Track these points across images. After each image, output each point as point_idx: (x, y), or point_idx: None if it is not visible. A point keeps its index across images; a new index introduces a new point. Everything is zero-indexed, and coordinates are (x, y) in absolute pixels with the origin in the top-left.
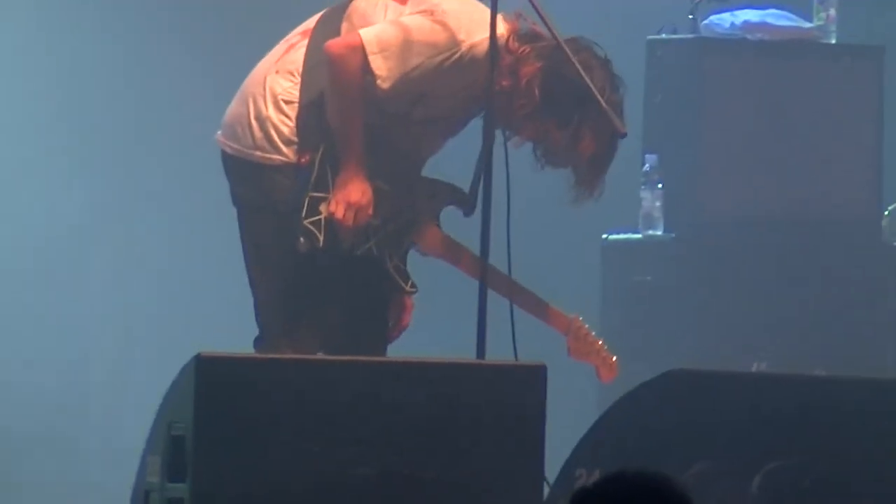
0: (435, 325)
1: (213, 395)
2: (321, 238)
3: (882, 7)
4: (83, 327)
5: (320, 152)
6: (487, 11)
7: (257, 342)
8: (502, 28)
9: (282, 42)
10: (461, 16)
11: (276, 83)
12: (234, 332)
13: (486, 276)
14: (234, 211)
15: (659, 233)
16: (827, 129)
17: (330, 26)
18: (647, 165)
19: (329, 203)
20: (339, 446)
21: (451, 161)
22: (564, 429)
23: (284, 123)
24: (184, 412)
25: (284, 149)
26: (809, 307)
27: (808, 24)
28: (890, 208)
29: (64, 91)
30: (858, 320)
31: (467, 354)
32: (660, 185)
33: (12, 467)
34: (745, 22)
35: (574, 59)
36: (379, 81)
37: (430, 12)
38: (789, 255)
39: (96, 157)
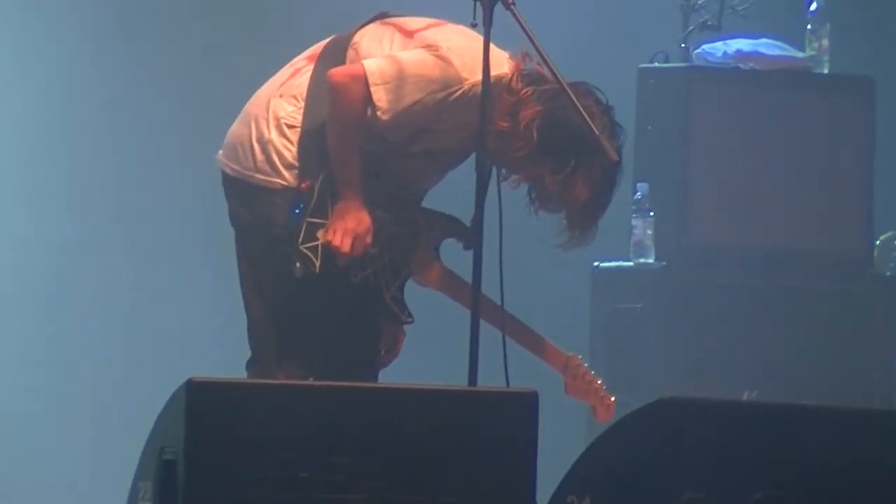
0: (427, 352)
1: (204, 419)
2: (317, 264)
3: (874, 37)
4: (71, 352)
5: (320, 179)
6: (493, 50)
7: (249, 365)
8: (506, 68)
9: (287, 66)
10: (465, 53)
11: (279, 107)
12: (227, 355)
13: (478, 305)
14: (230, 231)
15: (650, 261)
16: (818, 159)
17: (335, 54)
18: (638, 193)
19: (327, 230)
20: (330, 472)
21: (454, 193)
22: (555, 455)
23: (286, 147)
24: (175, 437)
25: (285, 173)
26: (799, 336)
27: (800, 54)
28: (881, 238)
29: (60, 104)
30: (848, 350)
31: (459, 381)
32: (651, 214)
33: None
34: (738, 51)
35: (577, 104)
36: (379, 113)
37: (434, 48)
38: (779, 285)
39: (89, 175)
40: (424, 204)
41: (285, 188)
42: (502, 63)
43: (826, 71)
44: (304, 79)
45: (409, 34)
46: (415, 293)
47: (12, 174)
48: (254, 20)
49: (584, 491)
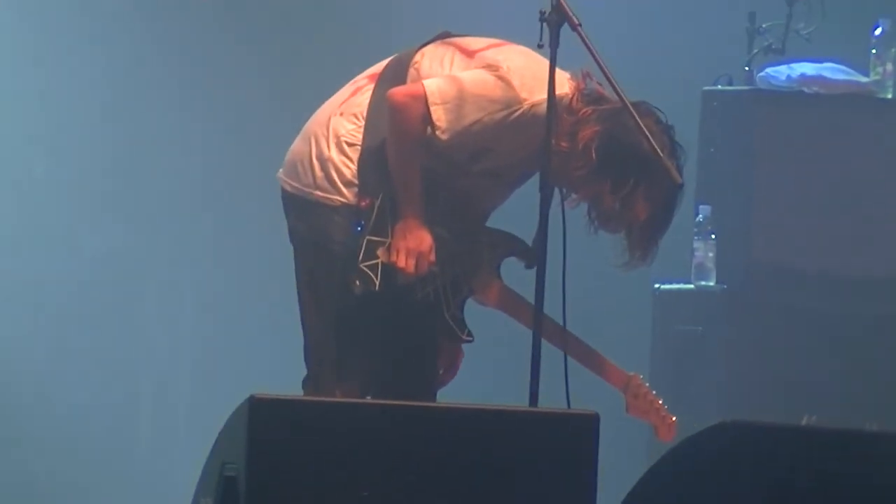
0: (488, 372)
1: (266, 436)
2: (377, 282)
3: None
4: (133, 369)
5: (381, 197)
6: (554, 73)
7: (305, 382)
8: (566, 87)
9: (348, 84)
10: (525, 73)
11: (339, 125)
12: (287, 372)
13: (540, 325)
14: (289, 249)
15: (711, 283)
16: (883, 183)
17: (397, 73)
18: (700, 216)
19: (389, 250)
20: (390, 491)
21: (517, 212)
22: (616, 477)
23: (346, 165)
24: (236, 453)
25: (345, 190)
26: (861, 361)
27: (864, 79)
28: None
29: (127, 119)
30: None
31: (520, 402)
32: (713, 236)
33: None
34: (802, 75)
35: (640, 122)
36: (438, 132)
37: (495, 68)
38: (841, 308)
39: (152, 189)
40: (488, 223)
41: (344, 205)
42: (563, 83)
43: (890, 95)
44: (364, 97)
45: (469, 54)
46: (476, 312)
47: (79, 187)
48: (318, 34)
49: None
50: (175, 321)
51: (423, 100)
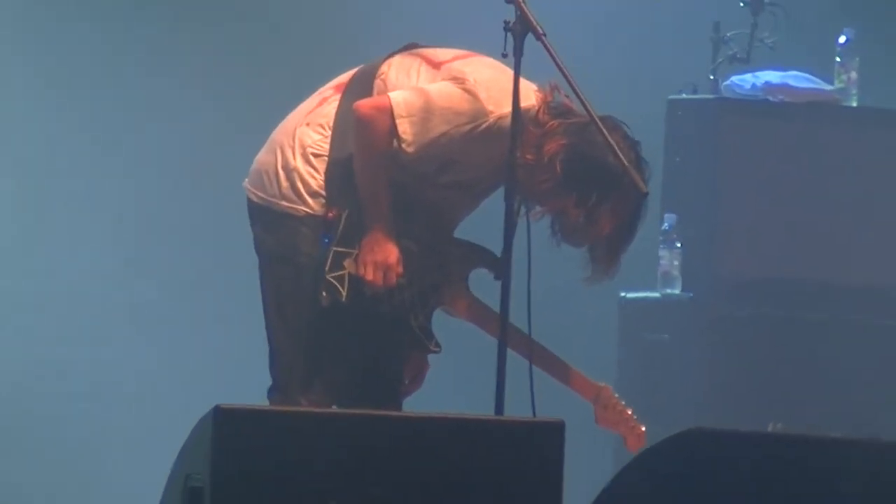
0: (454, 381)
1: (230, 446)
2: (344, 293)
3: None
4: (99, 381)
5: (348, 209)
6: (521, 82)
7: (271, 392)
8: (533, 99)
9: (314, 94)
10: (492, 86)
11: (305, 135)
12: (252, 383)
13: (505, 335)
14: (254, 258)
15: (677, 292)
16: (847, 191)
17: (363, 84)
18: (666, 224)
19: (357, 262)
20: (356, 500)
21: (485, 224)
22: (581, 485)
23: (312, 175)
24: (201, 464)
25: (310, 200)
26: (826, 369)
27: (829, 87)
28: None
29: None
30: (877, 383)
31: (486, 410)
32: (678, 245)
33: None
34: (767, 83)
35: (608, 137)
36: (404, 145)
37: (461, 80)
38: (806, 317)
39: (123, 201)
40: (456, 234)
41: (310, 216)
42: (529, 95)
43: (855, 103)
44: (331, 108)
45: (436, 65)
46: (443, 323)
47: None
48: (285, 44)
49: None
50: (141, 331)
51: (389, 112)
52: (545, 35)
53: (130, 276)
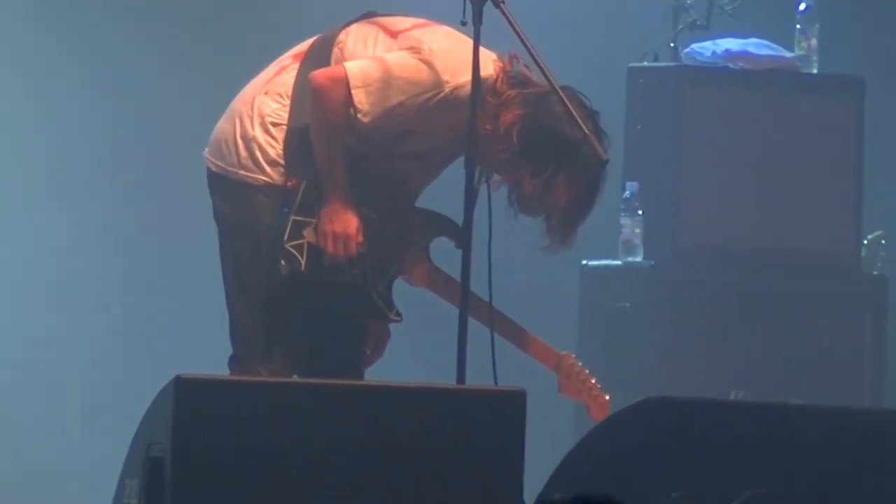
0: (416, 351)
1: (192, 416)
2: (303, 262)
3: (863, 37)
4: (59, 348)
5: (307, 178)
6: (480, 51)
7: (231, 362)
8: (491, 69)
9: (273, 63)
10: (448, 55)
11: (264, 104)
12: (215, 353)
13: (466, 304)
14: (214, 228)
15: (638, 259)
16: (807, 158)
17: (321, 53)
18: (627, 192)
19: (316, 233)
20: (317, 469)
21: (447, 193)
22: (542, 454)
23: (270, 144)
24: (163, 434)
25: (269, 169)
26: (787, 336)
27: (789, 54)
28: (868, 238)
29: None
30: (835, 349)
31: (447, 379)
32: (640, 213)
33: None
34: (727, 51)
35: (570, 105)
36: (360, 115)
37: (417, 50)
38: (768, 284)
39: (80, 175)
40: (418, 203)
41: (268, 185)
42: (488, 65)
43: (815, 70)
44: (289, 77)
45: (393, 34)
46: (404, 292)
47: (10, 173)
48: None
49: (571, 489)
50: (101, 301)
51: (345, 83)
52: (504, 2)
53: (95, 246)
